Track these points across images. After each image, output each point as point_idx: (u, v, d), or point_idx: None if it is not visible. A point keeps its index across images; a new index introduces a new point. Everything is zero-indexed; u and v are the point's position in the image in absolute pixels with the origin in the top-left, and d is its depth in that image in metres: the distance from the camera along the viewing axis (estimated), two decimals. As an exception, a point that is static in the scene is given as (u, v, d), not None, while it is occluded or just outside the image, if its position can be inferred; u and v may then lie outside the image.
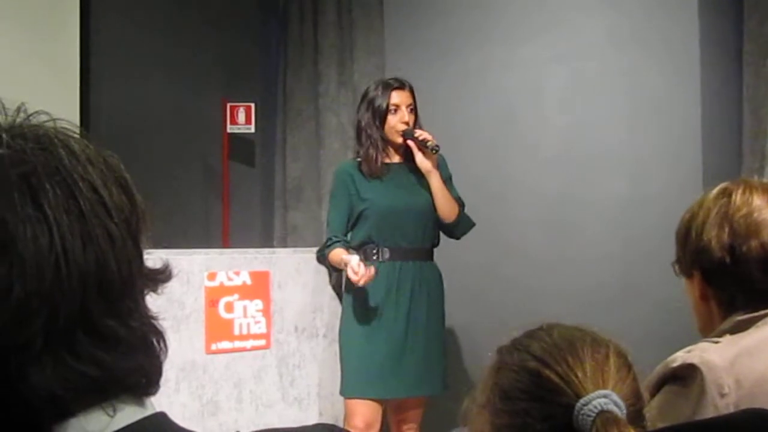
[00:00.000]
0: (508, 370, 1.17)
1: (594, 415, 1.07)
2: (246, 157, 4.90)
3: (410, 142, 3.65)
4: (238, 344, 3.74)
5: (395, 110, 3.65)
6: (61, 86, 3.97)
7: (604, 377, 1.11)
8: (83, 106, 4.08)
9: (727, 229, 1.58)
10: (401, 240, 3.66)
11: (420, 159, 3.65)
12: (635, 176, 4.35)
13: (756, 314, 1.56)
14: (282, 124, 4.86)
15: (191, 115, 4.65)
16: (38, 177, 0.73)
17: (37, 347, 0.71)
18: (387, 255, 3.64)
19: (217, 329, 3.69)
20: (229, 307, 3.72)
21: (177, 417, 0.82)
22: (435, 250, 3.76)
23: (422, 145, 3.62)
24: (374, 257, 3.62)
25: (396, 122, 3.65)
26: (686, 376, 1.50)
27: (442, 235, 3.77)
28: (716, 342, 1.55)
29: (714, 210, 1.60)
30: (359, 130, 3.70)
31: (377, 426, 3.63)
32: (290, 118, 4.82)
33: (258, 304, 3.81)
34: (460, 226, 3.75)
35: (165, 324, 0.81)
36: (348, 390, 3.66)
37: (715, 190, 1.65)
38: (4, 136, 0.75)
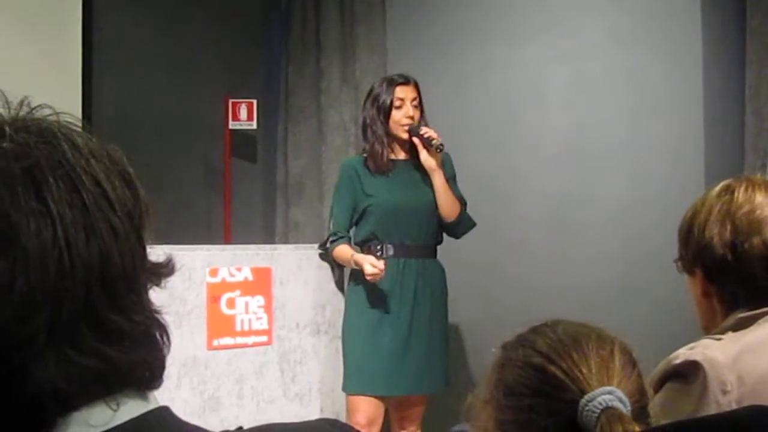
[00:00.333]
0: (512, 366, 1.17)
1: (599, 411, 1.07)
2: (248, 154, 4.90)
3: (415, 139, 3.65)
4: (239, 340, 3.74)
5: (399, 105, 3.64)
6: (63, 83, 3.96)
7: (609, 374, 1.11)
8: (85, 103, 4.07)
9: (729, 227, 1.57)
10: (405, 237, 3.66)
11: (424, 157, 3.65)
12: (637, 175, 4.35)
13: (758, 311, 1.56)
14: (284, 121, 4.86)
15: (193, 112, 4.64)
16: (41, 170, 0.72)
17: (40, 342, 0.71)
18: (390, 252, 3.64)
19: (219, 325, 3.69)
20: (231, 303, 3.72)
21: (178, 413, 0.81)
22: (438, 247, 3.76)
23: (427, 143, 3.62)
24: (378, 254, 3.61)
25: (400, 117, 3.64)
26: (689, 373, 1.49)
27: (445, 232, 3.78)
28: (719, 339, 1.54)
29: (716, 207, 1.60)
30: (365, 127, 3.70)
31: (379, 423, 3.63)
32: (292, 114, 4.82)
33: (259, 300, 3.81)
34: (461, 226, 3.75)
35: (167, 319, 0.80)
36: (350, 386, 3.66)
37: (717, 187, 1.64)
38: (7, 129, 0.74)
